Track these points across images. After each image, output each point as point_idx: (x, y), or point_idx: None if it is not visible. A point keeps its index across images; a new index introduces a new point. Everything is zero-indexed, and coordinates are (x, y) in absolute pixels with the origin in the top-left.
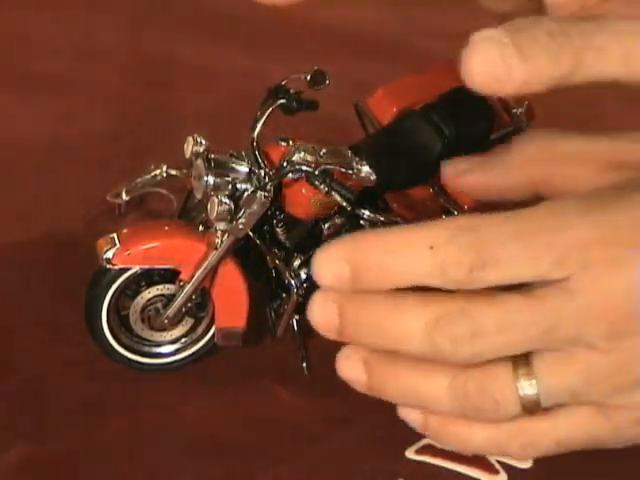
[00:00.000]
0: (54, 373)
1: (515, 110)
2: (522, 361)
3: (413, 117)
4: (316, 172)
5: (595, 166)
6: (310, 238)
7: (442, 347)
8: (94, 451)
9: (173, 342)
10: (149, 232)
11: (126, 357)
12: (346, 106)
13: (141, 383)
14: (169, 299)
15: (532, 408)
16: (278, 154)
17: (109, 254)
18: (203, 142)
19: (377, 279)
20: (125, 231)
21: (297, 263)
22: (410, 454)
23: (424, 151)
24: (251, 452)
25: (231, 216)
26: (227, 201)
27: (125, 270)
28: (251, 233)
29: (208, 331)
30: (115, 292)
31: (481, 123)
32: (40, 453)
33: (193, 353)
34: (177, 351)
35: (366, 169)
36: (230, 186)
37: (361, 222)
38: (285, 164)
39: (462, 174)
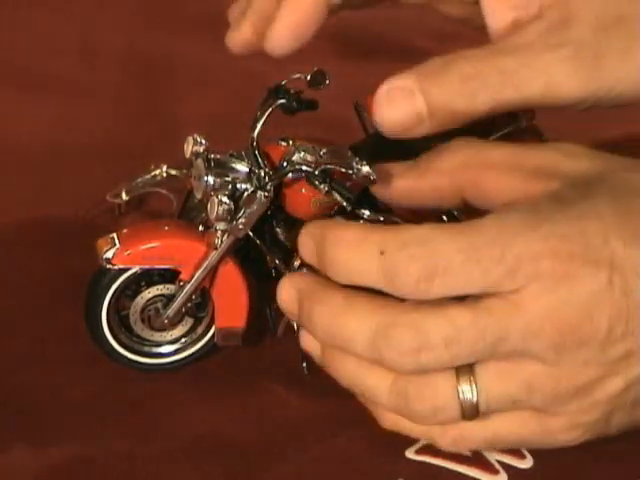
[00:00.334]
0: (54, 373)
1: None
2: (465, 368)
3: None
4: (316, 172)
5: (522, 175)
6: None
7: (386, 355)
8: (94, 451)
9: (173, 342)
10: (149, 232)
11: (126, 357)
12: (346, 106)
13: (141, 383)
14: (169, 299)
15: (471, 413)
16: (278, 154)
17: (109, 254)
18: (203, 142)
19: (333, 271)
20: (125, 231)
21: (297, 263)
22: (410, 454)
23: (424, 151)
24: (251, 452)
25: (231, 216)
26: (227, 201)
27: (125, 270)
28: (251, 233)
29: (208, 331)
30: (115, 292)
31: (481, 123)
32: (40, 453)
33: (193, 353)
34: (177, 351)
35: (366, 169)
36: (230, 186)
37: (361, 222)
38: (285, 164)
39: (392, 179)
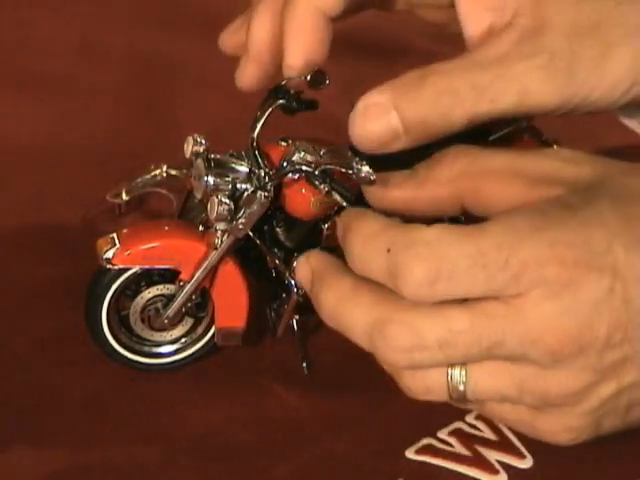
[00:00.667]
0: (54, 373)
1: None
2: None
3: None
4: (316, 172)
5: (523, 182)
6: (310, 238)
7: (380, 350)
8: (94, 451)
9: (173, 342)
10: (149, 232)
11: (126, 357)
12: (346, 106)
13: (141, 383)
14: (169, 299)
15: (459, 400)
16: (278, 154)
17: (109, 254)
18: (203, 142)
19: (348, 260)
20: (125, 231)
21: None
22: (410, 454)
23: (424, 152)
24: (251, 452)
25: (231, 216)
26: (227, 201)
27: (125, 270)
28: (251, 233)
29: (208, 331)
30: (115, 292)
31: (480, 124)
32: (40, 453)
33: (193, 353)
34: (177, 351)
35: (366, 169)
36: (230, 186)
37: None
38: (285, 164)
39: (390, 189)
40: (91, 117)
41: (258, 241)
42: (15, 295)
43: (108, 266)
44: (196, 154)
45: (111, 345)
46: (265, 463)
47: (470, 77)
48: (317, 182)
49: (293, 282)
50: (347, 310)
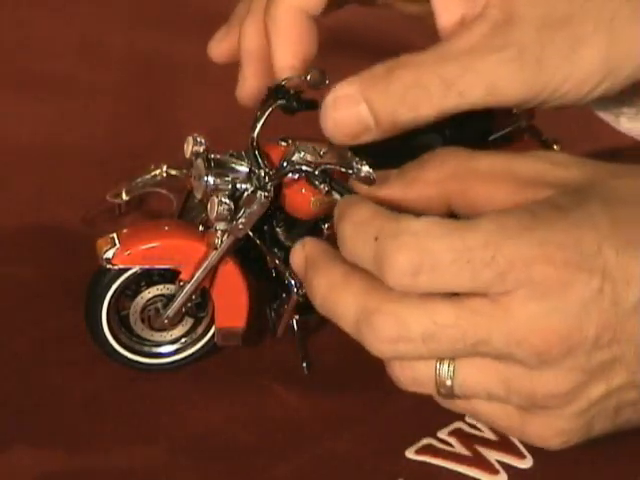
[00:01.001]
0: (54, 373)
1: (515, 110)
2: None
3: None
4: (316, 172)
5: (512, 184)
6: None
7: (366, 340)
8: (94, 451)
9: (173, 342)
10: (149, 232)
11: (126, 357)
12: None
13: (141, 383)
14: (169, 299)
15: (447, 394)
16: (278, 154)
17: (109, 254)
18: (203, 142)
19: (340, 246)
20: (125, 231)
21: None
22: (410, 454)
23: (424, 151)
24: (251, 452)
25: (231, 216)
26: (227, 201)
27: (125, 270)
28: (251, 233)
29: (208, 331)
30: (115, 292)
31: (481, 123)
32: (40, 454)
33: (193, 353)
34: (177, 351)
35: (366, 169)
36: (230, 186)
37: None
38: (285, 164)
39: (377, 188)
40: (91, 117)
41: (258, 241)
42: (15, 295)
43: (108, 266)
44: (196, 154)
45: (111, 345)
46: (265, 463)
47: (439, 70)
48: (317, 182)
49: (293, 282)
50: (337, 297)
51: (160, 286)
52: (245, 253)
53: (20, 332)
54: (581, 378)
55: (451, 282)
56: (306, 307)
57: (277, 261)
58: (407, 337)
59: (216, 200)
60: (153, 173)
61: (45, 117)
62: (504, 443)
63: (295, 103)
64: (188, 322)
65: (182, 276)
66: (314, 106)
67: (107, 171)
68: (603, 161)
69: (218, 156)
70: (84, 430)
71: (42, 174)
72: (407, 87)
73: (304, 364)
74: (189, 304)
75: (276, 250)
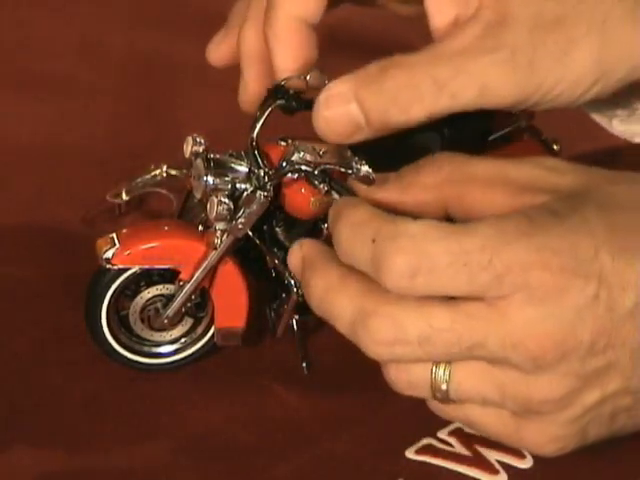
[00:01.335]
0: (54, 373)
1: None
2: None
3: None
4: (315, 172)
5: (508, 190)
6: (310, 238)
7: (362, 342)
8: (94, 451)
9: (173, 342)
10: (149, 232)
11: (126, 357)
12: None
13: (141, 383)
14: (169, 299)
15: (442, 398)
16: (277, 154)
17: (109, 254)
18: (202, 142)
19: (336, 248)
20: (125, 231)
21: None
22: (410, 454)
23: (423, 151)
24: (251, 452)
25: (230, 216)
26: (226, 201)
27: (125, 270)
28: (250, 233)
29: (208, 331)
30: (115, 292)
31: (480, 123)
32: (39, 453)
33: (193, 353)
34: (177, 351)
35: (365, 169)
36: (229, 186)
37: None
38: (284, 164)
39: (374, 191)
40: (91, 117)
41: (258, 241)
42: (15, 295)
43: (108, 266)
44: (195, 154)
45: (111, 345)
46: (265, 463)
47: (431, 71)
48: (316, 182)
49: (293, 282)
50: (334, 299)
51: (160, 286)
52: (245, 253)
53: (20, 332)
54: (575, 384)
55: (448, 285)
56: (306, 307)
57: (277, 261)
58: (403, 340)
59: (215, 200)
60: (153, 173)
61: (45, 117)
62: (507, 445)
63: (294, 103)
64: (188, 322)
65: (182, 276)
66: (313, 106)
67: (107, 171)
68: (601, 163)
69: (217, 156)
70: (84, 430)
71: (42, 174)
72: (399, 87)
73: (304, 364)
74: (189, 304)
75: (276, 250)
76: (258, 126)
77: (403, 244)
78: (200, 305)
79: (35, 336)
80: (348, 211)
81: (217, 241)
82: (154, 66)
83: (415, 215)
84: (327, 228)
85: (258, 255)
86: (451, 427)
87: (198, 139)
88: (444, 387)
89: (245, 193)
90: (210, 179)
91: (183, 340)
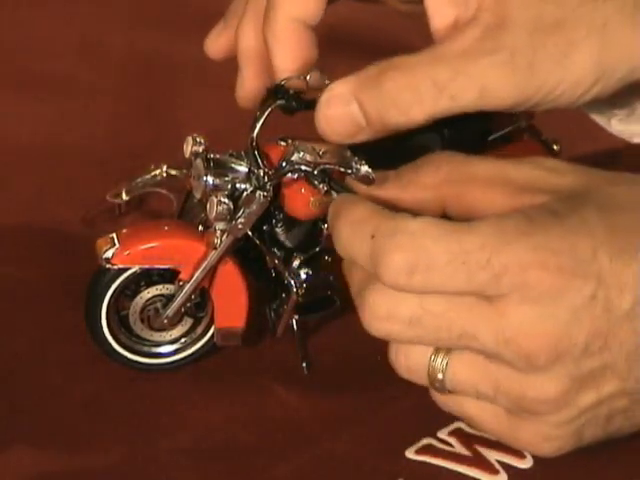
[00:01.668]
0: (54, 373)
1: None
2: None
3: None
4: (315, 172)
5: (508, 190)
6: (309, 238)
7: (360, 313)
8: (94, 451)
9: (173, 342)
10: (148, 232)
11: (126, 357)
12: None
13: (141, 383)
14: (168, 299)
15: (439, 388)
16: (277, 154)
17: (108, 254)
18: (202, 142)
19: (335, 243)
20: (124, 231)
21: (297, 263)
22: (410, 454)
23: (423, 151)
24: (251, 452)
25: (230, 216)
26: (226, 201)
27: (124, 270)
28: (250, 233)
29: (207, 331)
30: (114, 292)
31: (480, 123)
32: (39, 453)
33: (193, 353)
34: (177, 351)
35: (365, 169)
36: (229, 186)
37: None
38: (284, 164)
39: (372, 188)
40: (91, 117)
41: (257, 241)
42: (15, 295)
43: (108, 266)
44: (195, 154)
45: (111, 345)
46: (265, 463)
47: (431, 73)
48: (316, 182)
49: (292, 282)
50: (349, 249)
51: (159, 286)
52: (245, 253)
53: (20, 332)
54: (570, 385)
55: (446, 283)
56: (305, 307)
57: (276, 261)
58: (395, 317)
59: (215, 200)
60: (153, 173)
61: (45, 117)
62: (504, 443)
63: (294, 103)
64: (188, 322)
65: (181, 276)
66: (313, 106)
67: (107, 171)
68: (601, 164)
69: (217, 156)
70: (84, 430)
71: (42, 174)
72: (399, 89)
73: (304, 364)
74: (188, 304)
75: (275, 250)
76: (258, 126)
77: (402, 241)
78: (200, 305)
79: (35, 336)
80: (347, 208)
81: (217, 241)
82: (154, 66)
83: (414, 213)
84: (327, 228)
85: (258, 255)
86: (451, 427)
87: (198, 139)
88: (440, 376)
89: (245, 193)
90: (210, 179)
91: (183, 340)
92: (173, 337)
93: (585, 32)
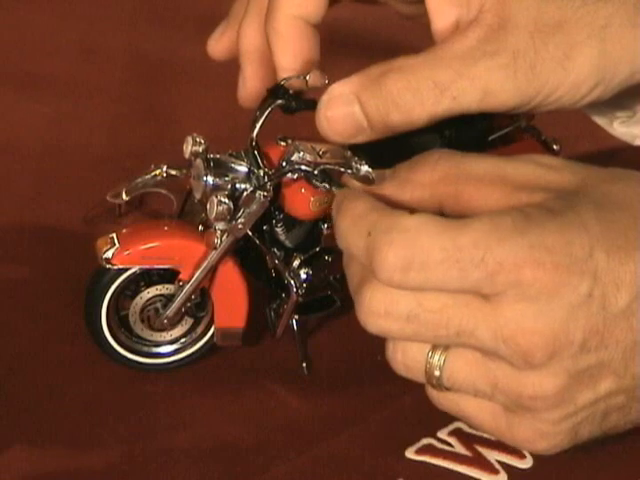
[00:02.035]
0: (54, 373)
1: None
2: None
3: None
4: (315, 172)
5: (505, 188)
6: (309, 238)
7: (357, 308)
8: (94, 451)
9: (173, 342)
10: (148, 232)
11: (126, 357)
12: None
13: (141, 383)
14: (168, 299)
15: (436, 385)
16: (277, 154)
17: (108, 254)
18: (202, 142)
19: (336, 237)
20: (124, 231)
21: (297, 263)
22: (410, 454)
23: (423, 151)
24: (251, 452)
25: (230, 216)
26: (226, 201)
27: (124, 270)
28: (250, 233)
29: (207, 331)
30: (114, 292)
31: (479, 123)
32: (39, 453)
33: (193, 353)
34: (177, 351)
35: (365, 168)
36: (229, 186)
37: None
38: (284, 164)
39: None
40: (91, 117)
41: (257, 241)
42: (15, 295)
43: (107, 266)
44: (195, 154)
45: (111, 345)
46: (265, 463)
47: (433, 75)
48: (316, 182)
49: (292, 282)
50: (347, 241)
51: (159, 286)
52: (245, 253)
53: (20, 332)
54: (567, 382)
55: (440, 280)
56: (305, 307)
57: (277, 261)
58: (393, 313)
59: (215, 200)
60: (153, 173)
61: (45, 117)
62: (504, 443)
63: (294, 103)
64: (188, 322)
65: (181, 276)
66: (313, 106)
67: (107, 171)
68: (601, 163)
69: (217, 156)
70: (84, 430)
71: (42, 174)
72: (400, 90)
73: (304, 364)
74: (188, 304)
75: (275, 250)
76: (258, 126)
77: (396, 238)
78: (200, 305)
79: (35, 336)
80: (348, 203)
81: (217, 241)
82: (154, 66)
83: (413, 210)
84: (327, 228)
85: (258, 255)
86: (451, 427)
87: (198, 139)
88: (437, 373)
89: (245, 193)
90: (210, 179)
91: (183, 340)
92: (173, 337)
93: (586, 33)
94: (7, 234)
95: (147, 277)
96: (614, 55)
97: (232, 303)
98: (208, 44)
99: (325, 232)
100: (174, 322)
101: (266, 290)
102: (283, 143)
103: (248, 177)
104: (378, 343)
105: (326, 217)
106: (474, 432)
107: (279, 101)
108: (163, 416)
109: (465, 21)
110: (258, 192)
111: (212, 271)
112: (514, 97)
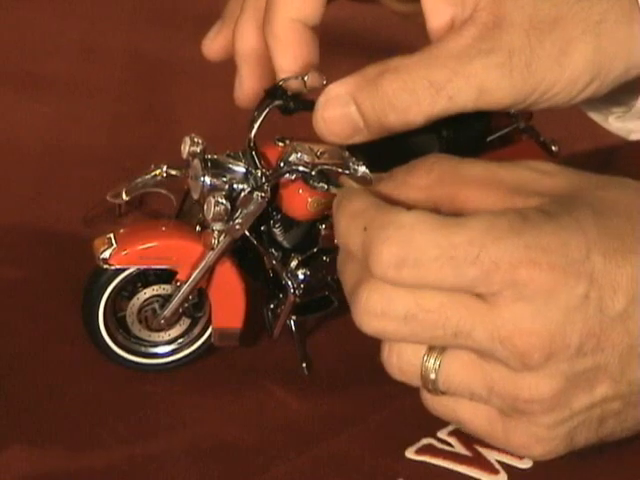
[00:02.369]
0: (54, 373)
1: (512, 110)
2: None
3: None
4: (313, 172)
5: (501, 192)
6: (307, 238)
7: (353, 310)
8: (93, 451)
9: (170, 342)
10: (146, 232)
11: (123, 357)
12: None
13: (140, 383)
14: (166, 299)
15: (432, 389)
16: (275, 154)
17: (106, 254)
18: (200, 142)
19: (335, 233)
20: (122, 231)
21: (294, 263)
22: (410, 454)
23: (421, 152)
24: (251, 452)
25: (228, 216)
26: (224, 201)
27: (122, 270)
28: (248, 233)
29: (205, 331)
30: (112, 292)
31: (478, 124)
32: (39, 453)
33: (190, 353)
34: (174, 351)
35: (363, 169)
36: (227, 186)
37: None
38: (282, 164)
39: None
40: (91, 117)
41: (255, 241)
42: (15, 295)
43: (105, 266)
44: (193, 154)
45: (108, 346)
46: (265, 463)
47: (428, 74)
48: (314, 182)
49: (290, 282)
50: (343, 241)
51: (156, 286)
52: (242, 253)
53: (20, 332)
54: (563, 385)
55: (434, 278)
56: (303, 308)
57: (274, 262)
58: (390, 314)
59: (213, 200)
60: (153, 173)
61: (45, 117)
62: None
63: (292, 103)
64: (185, 322)
65: (179, 276)
66: (311, 107)
67: (107, 171)
68: (599, 163)
69: (215, 156)
70: (84, 430)
71: (42, 174)
72: (396, 91)
73: (303, 364)
74: (186, 304)
75: (273, 250)
76: (256, 127)
77: (391, 234)
78: (197, 305)
79: (35, 336)
80: (347, 200)
81: (214, 241)
82: (154, 66)
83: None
84: (325, 228)
85: (255, 256)
86: (451, 427)
87: (196, 139)
88: (433, 376)
89: (242, 194)
90: (207, 179)
91: (180, 340)
92: (171, 337)
93: (581, 30)
94: (7, 234)
95: (144, 277)
96: (609, 51)
97: (229, 303)
98: (203, 44)
99: (323, 233)
100: (171, 322)
101: (264, 290)
102: (281, 144)
103: (246, 177)
104: (377, 343)
105: (324, 218)
106: None
107: (277, 102)
108: (163, 416)
109: (460, 20)
110: (256, 193)
111: (209, 271)
112: (510, 95)
